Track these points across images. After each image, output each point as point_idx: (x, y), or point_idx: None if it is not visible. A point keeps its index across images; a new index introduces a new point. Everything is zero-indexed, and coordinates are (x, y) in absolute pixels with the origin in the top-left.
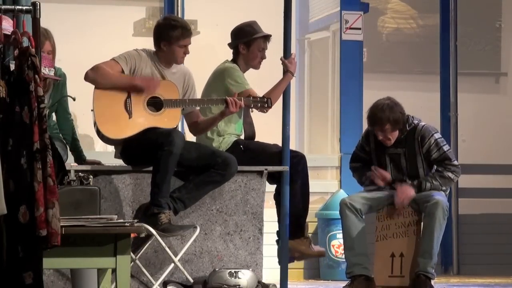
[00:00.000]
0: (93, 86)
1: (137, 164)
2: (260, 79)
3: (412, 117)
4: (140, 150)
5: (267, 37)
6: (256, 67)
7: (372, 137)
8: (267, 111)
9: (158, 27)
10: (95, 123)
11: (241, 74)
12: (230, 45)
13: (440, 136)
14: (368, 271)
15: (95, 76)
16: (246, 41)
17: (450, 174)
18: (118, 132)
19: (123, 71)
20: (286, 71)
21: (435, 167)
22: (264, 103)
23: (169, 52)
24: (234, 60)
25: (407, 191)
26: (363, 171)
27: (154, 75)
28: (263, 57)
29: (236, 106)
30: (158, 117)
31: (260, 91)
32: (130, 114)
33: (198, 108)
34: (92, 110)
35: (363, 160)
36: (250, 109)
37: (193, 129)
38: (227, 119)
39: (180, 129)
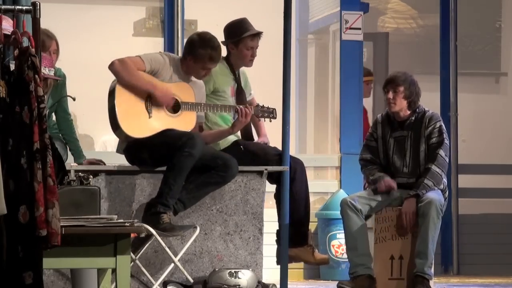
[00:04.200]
0: (95, 86)
1: (140, 164)
2: (260, 78)
3: (424, 107)
4: (152, 150)
5: (255, 35)
6: (248, 65)
7: (379, 124)
8: (271, 121)
9: (191, 41)
10: (115, 118)
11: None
12: (223, 43)
13: (445, 128)
14: (371, 271)
15: (121, 69)
16: (234, 41)
17: (438, 170)
18: (138, 131)
19: (144, 71)
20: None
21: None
22: (270, 114)
23: (191, 67)
24: (227, 58)
25: (409, 210)
26: (371, 170)
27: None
28: (253, 55)
29: (247, 116)
30: (176, 119)
31: (260, 90)
32: (150, 113)
33: (203, 121)
34: (112, 106)
35: (372, 150)
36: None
37: None
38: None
39: None
